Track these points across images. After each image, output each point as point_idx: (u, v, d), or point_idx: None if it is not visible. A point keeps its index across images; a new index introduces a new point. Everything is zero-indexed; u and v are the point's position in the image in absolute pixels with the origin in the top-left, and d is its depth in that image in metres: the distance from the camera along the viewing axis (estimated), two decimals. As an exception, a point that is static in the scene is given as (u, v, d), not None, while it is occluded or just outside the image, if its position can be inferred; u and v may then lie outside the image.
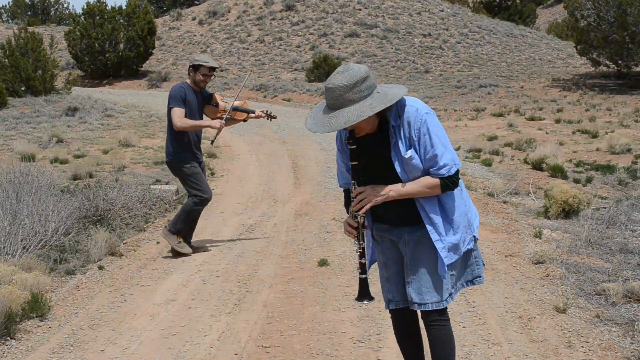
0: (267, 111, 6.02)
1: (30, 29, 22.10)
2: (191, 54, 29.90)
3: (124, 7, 27.84)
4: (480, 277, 2.95)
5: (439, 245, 2.77)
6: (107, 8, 27.29)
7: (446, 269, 2.80)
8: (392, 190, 2.76)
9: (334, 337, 4.02)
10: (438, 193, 2.76)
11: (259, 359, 3.78)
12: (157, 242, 6.20)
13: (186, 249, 5.79)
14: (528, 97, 20.31)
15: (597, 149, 11.05)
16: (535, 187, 8.26)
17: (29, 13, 47.49)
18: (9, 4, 48.60)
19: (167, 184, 8.26)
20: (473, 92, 21.17)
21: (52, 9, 49.13)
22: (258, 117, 5.97)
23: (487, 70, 25.60)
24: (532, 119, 15.91)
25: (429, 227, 2.79)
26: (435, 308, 2.81)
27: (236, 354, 3.83)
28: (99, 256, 5.60)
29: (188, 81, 5.76)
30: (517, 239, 6.07)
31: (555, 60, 27.47)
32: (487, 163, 10.05)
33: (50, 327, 4.26)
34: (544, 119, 15.97)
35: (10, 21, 43.90)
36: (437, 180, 2.73)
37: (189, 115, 5.66)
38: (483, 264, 2.99)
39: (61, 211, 6.00)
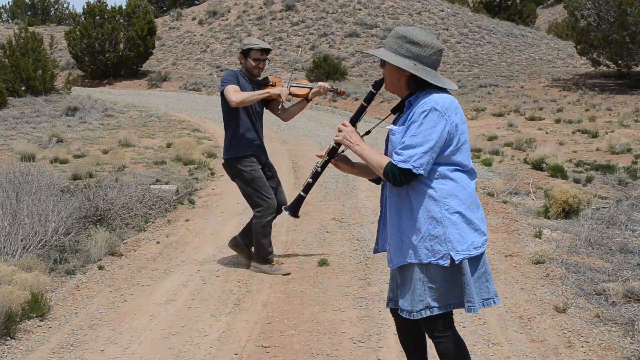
0: (333, 86, 5.15)
1: (30, 29, 22.10)
2: (191, 54, 29.93)
3: (124, 7, 27.83)
4: (470, 302, 2.75)
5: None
6: (107, 8, 27.28)
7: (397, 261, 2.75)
8: (359, 146, 2.78)
9: (334, 337, 4.02)
10: (380, 174, 2.71)
11: (259, 359, 3.78)
12: (157, 242, 6.20)
13: (283, 269, 5.25)
14: (528, 97, 20.31)
15: (597, 149, 11.05)
16: (535, 187, 8.26)
17: (29, 13, 47.48)
18: (9, 4, 48.60)
19: (167, 184, 8.26)
20: (473, 92, 21.16)
21: (52, 9, 49.11)
22: (322, 92, 5.07)
23: (487, 70, 25.60)
24: (532, 118, 15.90)
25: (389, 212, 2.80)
26: (406, 316, 2.76)
27: (236, 354, 3.83)
28: (99, 256, 5.60)
29: (241, 69, 5.21)
30: (517, 239, 6.07)
31: (555, 60, 27.47)
32: (487, 163, 10.05)
33: (50, 327, 4.26)
34: (544, 118, 15.97)
35: (10, 21, 43.88)
36: (386, 161, 2.69)
37: (249, 106, 5.06)
38: (491, 302, 2.83)
39: (61, 211, 6.00)
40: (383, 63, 2.79)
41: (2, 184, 6.31)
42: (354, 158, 2.96)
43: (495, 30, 30.81)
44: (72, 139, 12.50)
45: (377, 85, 2.88)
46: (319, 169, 2.95)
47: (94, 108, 16.70)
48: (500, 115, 17.06)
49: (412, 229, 2.70)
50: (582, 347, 3.82)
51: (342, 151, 2.92)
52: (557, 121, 15.25)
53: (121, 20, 27.27)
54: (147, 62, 28.65)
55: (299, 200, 3.04)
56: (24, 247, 5.41)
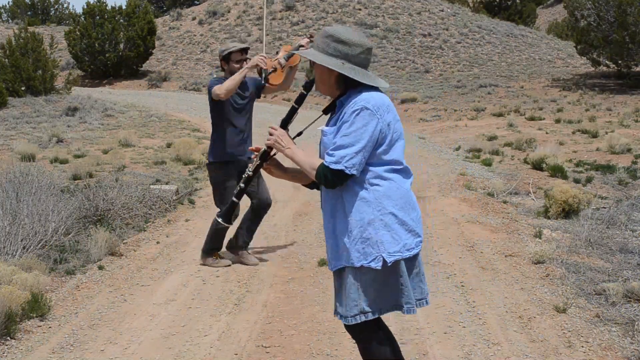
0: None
1: (30, 29, 22.08)
2: (191, 54, 29.94)
3: (124, 7, 27.80)
4: (402, 307, 2.67)
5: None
6: (107, 8, 27.26)
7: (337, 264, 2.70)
8: (291, 149, 2.76)
9: (334, 337, 4.02)
10: (313, 177, 2.68)
11: (259, 359, 3.78)
12: (157, 242, 6.20)
13: (223, 261, 5.46)
14: (528, 97, 20.31)
15: (597, 149, 11.05)
16: (535, 187, 8.26)
17: (29, 13, 47.45)
18: (9, 4, 48.60)
19: (167, 184, 8.26)
20: (473, 92, 21.16)
21: (52, 9, 49.09)
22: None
23: (487, 70, 25.60)
24: (532, 118, 15.90)
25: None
26: (343, 321, 2.70)
27: (236, 354, 3.83)
28: (99, 256, 5.60)
29: (225, 75, 5.32)
30: (517, 239, 6.07)
31: (555, 60, 27.47)
32: (487, 163, 10.05)
33: (50, 327, 4.26)
34: (544, 118, 15.97)
35: (10, 21, 43.86)
36: (318, 163, 2.66)
37: (234, 110, 5.33)
38: (423, 302, 2.75)
39: (61, 211, 6.00)
40: (313, 63, 2.75)
41: (2, 184, 6.31)
42: (287, 163, 2.91)
43: (495, 30, 30.79)
44: (72, 139, 12.50)
45: (308, 86, 2.85)
46: (250, 174, 2.93)
47: (94, 108, 16.70)
48: (500, 115, 17.06)
49: (345, 231, 2.66)
50: (582, 347, 3.82)
51: (274, 154, 2.87)
52: (557, 121, 15.25)
53: (121, 20, 27.23)
54: (147, 62, 28.63)
55: (232, 206, 3.04)
56: (24, 247, 5.41)
